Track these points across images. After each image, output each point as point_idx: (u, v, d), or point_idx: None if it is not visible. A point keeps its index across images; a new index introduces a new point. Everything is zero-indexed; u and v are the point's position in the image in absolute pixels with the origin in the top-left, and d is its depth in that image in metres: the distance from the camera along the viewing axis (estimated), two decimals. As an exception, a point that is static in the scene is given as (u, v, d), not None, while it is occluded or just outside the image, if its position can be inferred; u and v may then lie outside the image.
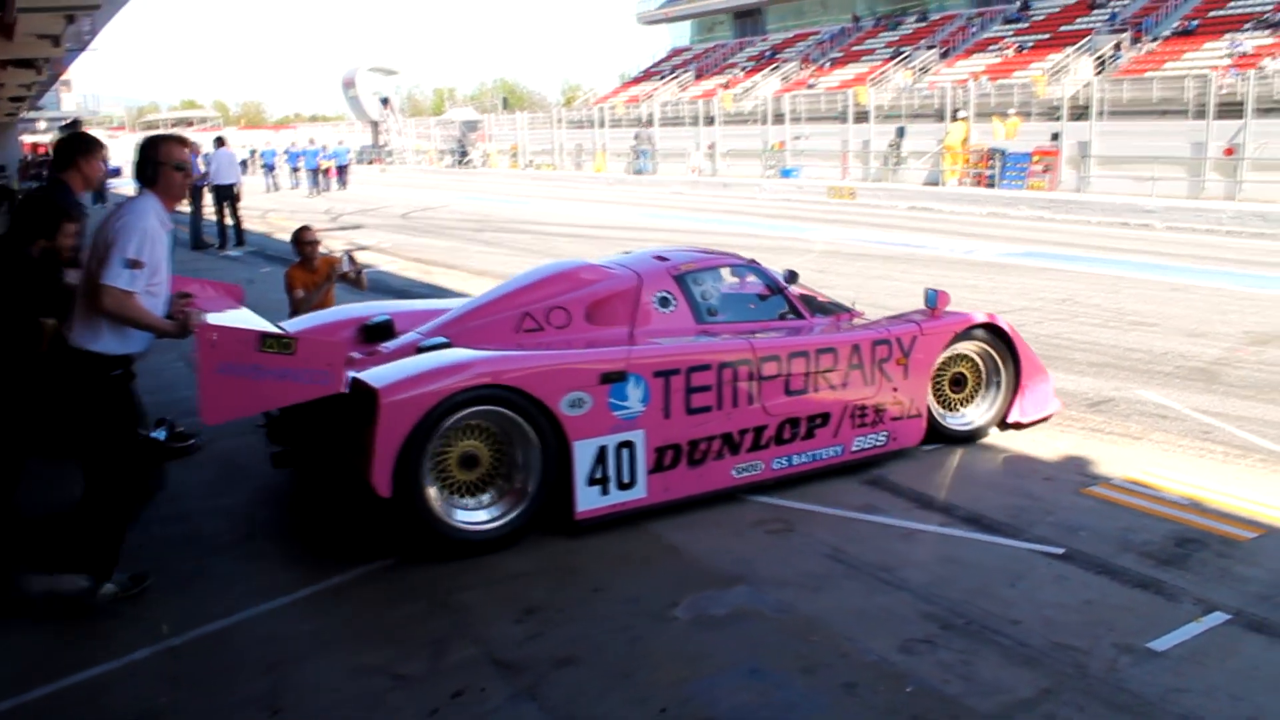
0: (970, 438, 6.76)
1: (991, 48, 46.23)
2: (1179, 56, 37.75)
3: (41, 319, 5.04)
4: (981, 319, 6.77)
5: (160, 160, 4.51)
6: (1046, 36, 44.62)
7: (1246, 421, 7.16)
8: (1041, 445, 6.65)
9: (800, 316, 6.53)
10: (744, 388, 5.72)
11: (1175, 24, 40.87)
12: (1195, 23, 40.21)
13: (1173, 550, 4.99)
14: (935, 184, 30.80)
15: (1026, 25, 47.35)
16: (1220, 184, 24.95)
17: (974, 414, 6.87)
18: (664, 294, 6.11)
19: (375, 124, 65.35)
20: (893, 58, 49.66)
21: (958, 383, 6.84)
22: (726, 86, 54.86)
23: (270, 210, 28.17)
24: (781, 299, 6.54)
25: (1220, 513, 5.47)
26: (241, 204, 19.45)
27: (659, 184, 37.19)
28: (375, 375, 4.94)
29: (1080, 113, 28.98)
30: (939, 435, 6.66)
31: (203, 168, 18.59)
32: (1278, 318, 10.90)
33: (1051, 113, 30.99)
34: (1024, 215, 23.41)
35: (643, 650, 4.14)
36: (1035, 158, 28.65)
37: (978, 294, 12.14)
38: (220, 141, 19.53)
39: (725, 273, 6.56)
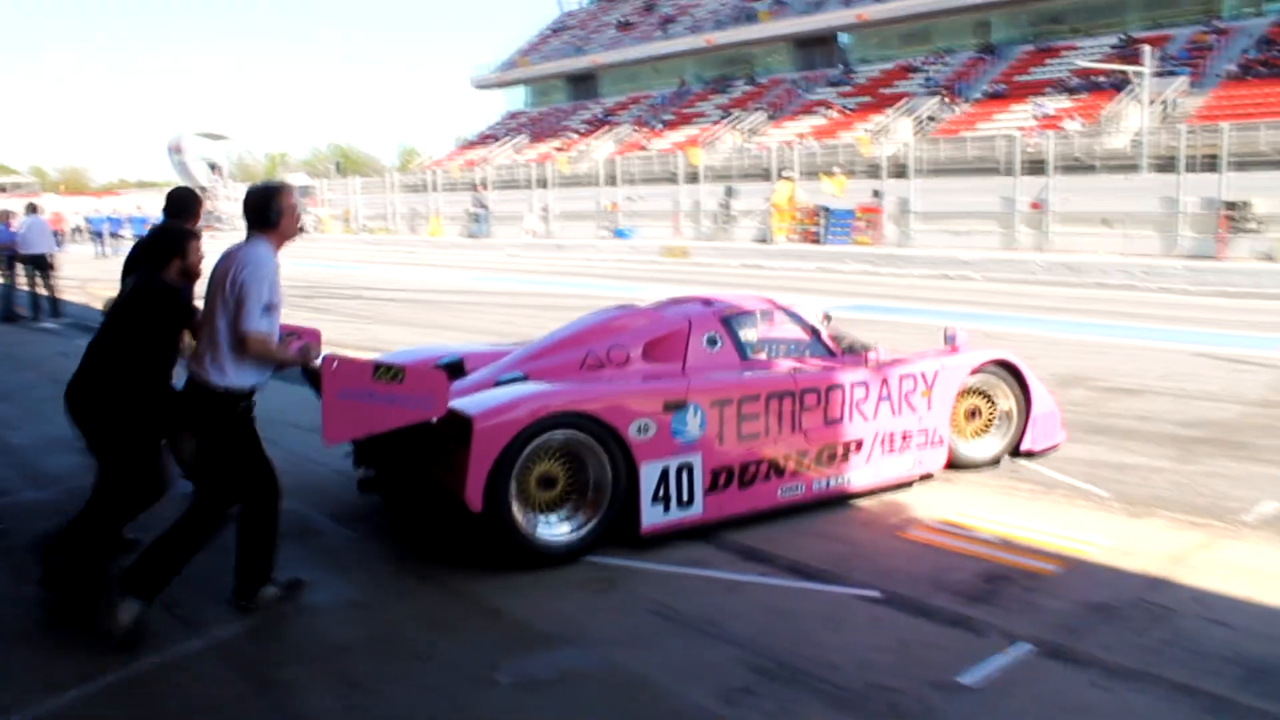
0: (985, 465, 7.37)
1: (817, 109, 48.02)
2: (990, 118, 39.93)
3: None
4: (996, 356, 7.44)
5: (283, 207, 4.91)
6: (869, 99, 46.59)
7: (1051, 460, 7.53)
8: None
9: (832, 354, 7.03)
10: (788, 417, 6.34)
11: (985, 88, 43.23)
12: (1003, 87, 42.61)
13: (982, 587, 5.19)
14: (765, 241, 31.64)
15: (850, 88, 49.41)
16: (1031, 236, 26.32)
17: (989, 443, 7.46)
18: (712, 334, 6.63)
19: (204, 189, 63.71)
20: (723, 119, 51.08)
21: (973, 414, 7.44)
22: (561, 149, 55.45)
23: (91, 279, 27.06)
24: (815, 338, 7.07)
25: (1027, 548, 5.73)
26: (60, 274, 18.61)
27: (494, 247, 37.22)
28: (467, 404, 5.48)
29: (901, 171, 30.26)
30: (956, 463, 7.24)
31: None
32: (1081, 360, 11.53)
33: (874, 171, 32.30)
34: (851, 270, 24.23)
35: (466, 718, 4.07)
36: (859, 214, 29.75)
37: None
38: (32, 208, 18.71)
39: (763, 315, 7.03)
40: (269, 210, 4.89)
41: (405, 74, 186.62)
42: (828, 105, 47.71)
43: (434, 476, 5.65)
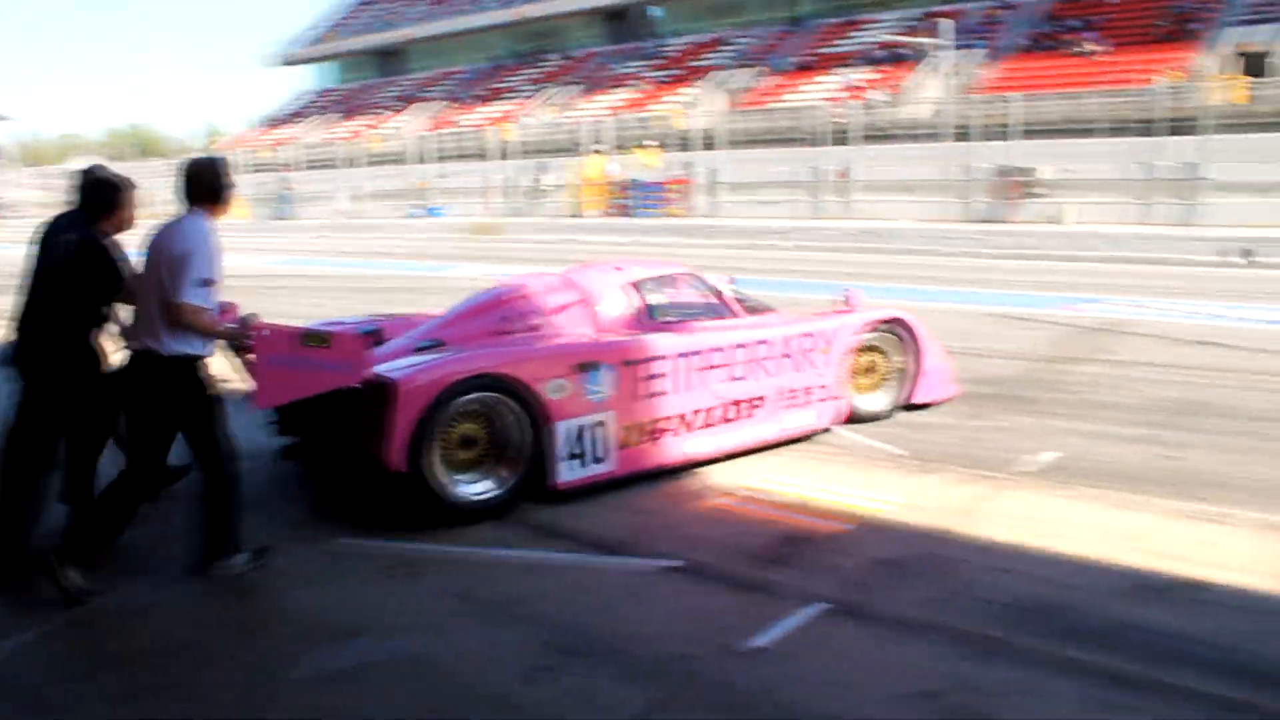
0: (880, 418, 7.80)
1: (629, 83, 48.27)
2: (797, 89, 40.83)
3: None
4: (889, 314, 7.90)
5: (229, 183, 5.02)
6: (679, 72, 47.07)
7: (847, 423, 7.77)
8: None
9: (734, 315, 7.39)
10: (695, 375, 6.66)
11: (793, 59, 44.18)
12: (810, 58, 43.65)
13: (780, 550, 5.29)
14: (577, 215, 31.68)
15: (660, 61, 49.79)
16: (837, 204, 27.10)
17: (883, 397, 7.92)
18: (620, 298, 6.99)
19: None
20: (536, 94, 50.83)
21: (869, 369, 7.87)
22: (372, 127, 54.28)
23: None
24: (720, 300, 7.44)
25: (824, 510, 5.89)
26: None
27: (303, 229, 36.13)
28: (389, 368, 5.74)
29: (711, 142, 30.69)
30: (853, 417, 7.65)
31: None
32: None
33: (685, 143, 32.65)
34: (663, 241, 24.45)
35: (258, 716, 3.93)
36: (670, 186, 30.06)
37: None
38: None
39: (672, 280, 7.45)
40: (216, 184, 4.97)
41: (209, 50, 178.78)
42: (639, 78, 48.00)
43: (357, 441, 5.79)
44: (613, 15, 55.49)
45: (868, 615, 4.54)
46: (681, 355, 6.62)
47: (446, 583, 5.10)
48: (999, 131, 26.27)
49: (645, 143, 32.98)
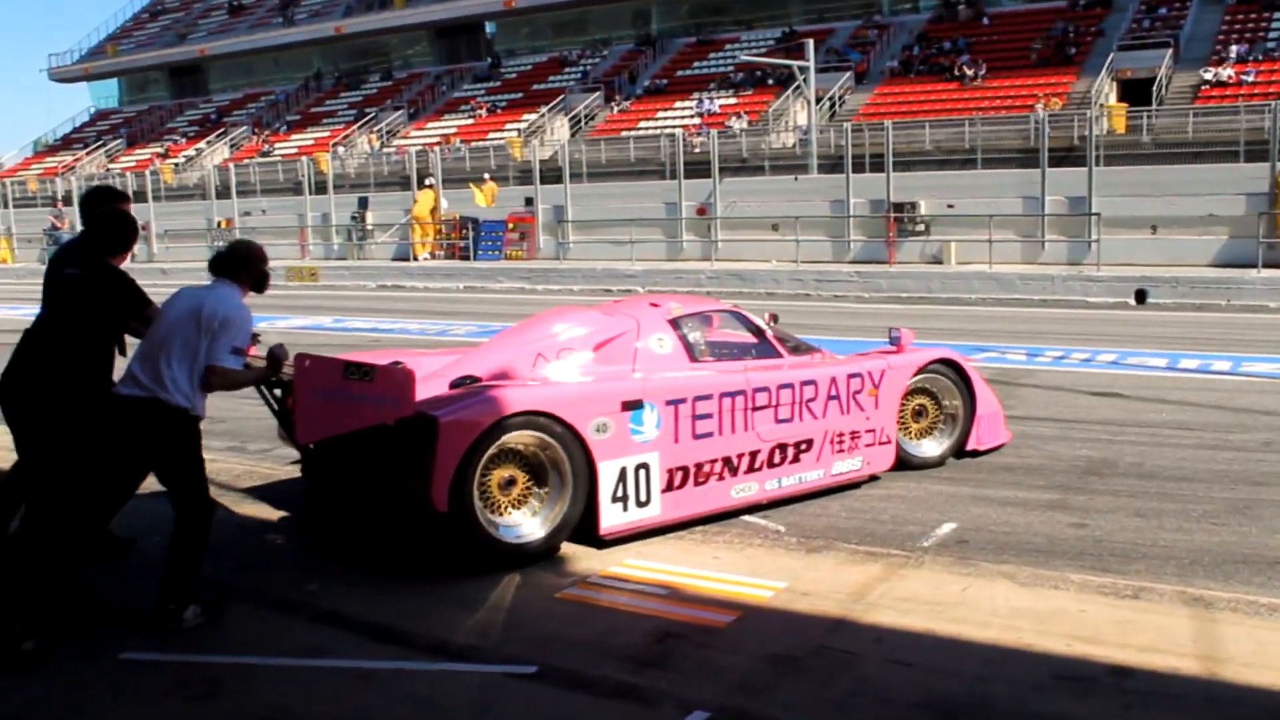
0: (931, 464, 8.18)
1: (463, 108, 48.16)
2: (652, 115, 41.29)
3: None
4: (941, 355, 8.28)
5: (267, 270, 5.68)
6: (519, 96, 47.17)
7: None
8: (517, 546, 6.66)
9: (779, 355, 7.67)
10: (740, 416, 6.96)
11: (646, 83, 44.72)
12: (665, 82, 44.25)
13: (652, 649, 5.11)
14: (405, 259, 31.23)
15: (498, 84, 49.88)
16: (697, 244, 27.31)
17: (935, 443, 8.31)
18: (660, 335, 7.24)
19: None
20: (356, 120, 50.27)
21: (919, 413, 8.24)
22: (165, 155, 52.88)
23: None
24: (762, 339, 7.75)
25: (700, 599, 5.74)
26: None
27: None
28: (429, 406, 5.88)
29: (558, 175, 30.58)
30: (903, 463, 8.02)
31: None
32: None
33: (528, 176, 32.49)
34: (503, 287, 24.33)
35: None
36: (511, 225, 29.88)
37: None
38: None
39: (710, 317, 7.80)
40: (257, 267, 5.58)
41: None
42: (474, 102, 47.91)
43: (395, 479, 6.05)
44: (444, 32, 55.34)
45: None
46: (726, 395, 6.92)
47: (255, 703, 4.74)
48: (875, 162, 26.72)
49: (484, 176, 32.74)
